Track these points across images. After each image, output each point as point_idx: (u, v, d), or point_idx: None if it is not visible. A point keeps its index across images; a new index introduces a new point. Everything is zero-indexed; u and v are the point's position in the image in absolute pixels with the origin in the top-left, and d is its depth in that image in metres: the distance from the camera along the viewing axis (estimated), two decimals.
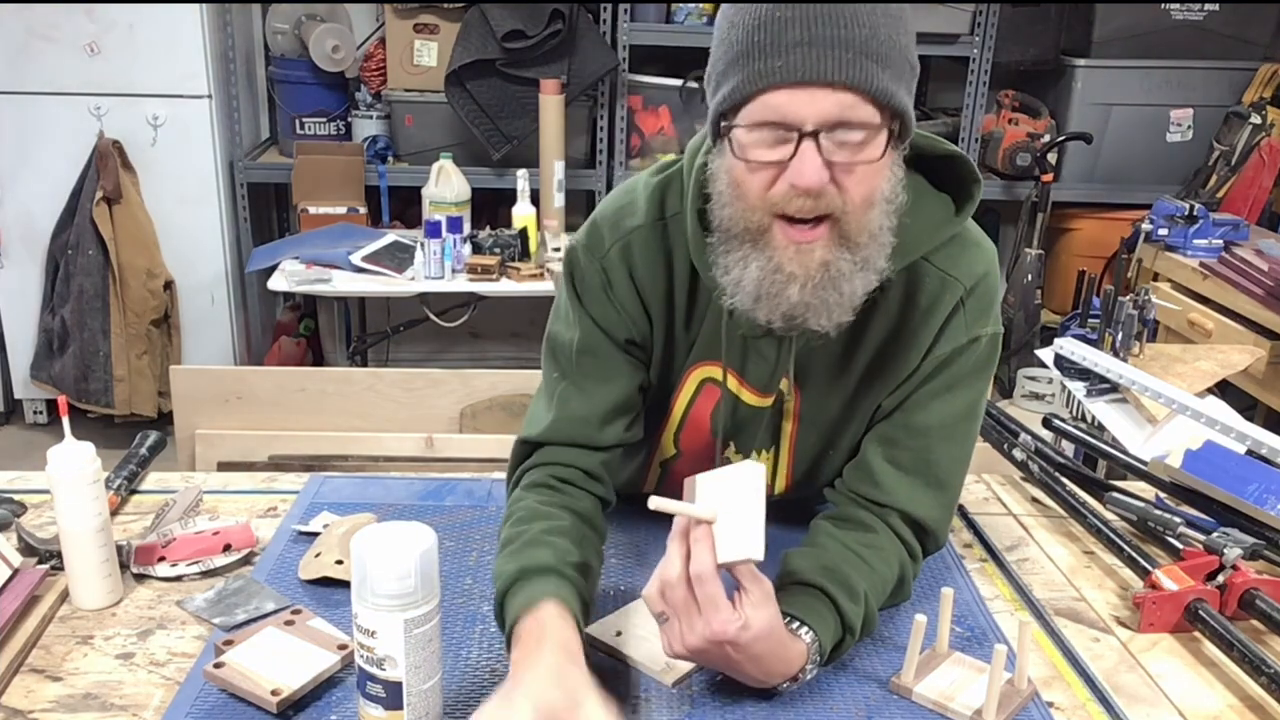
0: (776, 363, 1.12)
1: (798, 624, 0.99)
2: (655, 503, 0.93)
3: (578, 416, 1.13)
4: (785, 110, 0.93)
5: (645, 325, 1.14)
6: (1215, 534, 1.21)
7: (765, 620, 0.93)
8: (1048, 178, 3.61)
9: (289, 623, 1.05)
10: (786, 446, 1.20)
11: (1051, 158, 3.65)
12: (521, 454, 1.17)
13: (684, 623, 0.93)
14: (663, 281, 1.13)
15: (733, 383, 1.15)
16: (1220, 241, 3.06)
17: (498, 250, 3.11)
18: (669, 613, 0.94)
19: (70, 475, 1.06)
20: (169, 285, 3.44)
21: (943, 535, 1.16)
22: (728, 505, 0.91)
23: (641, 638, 1.06)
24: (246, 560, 1.21)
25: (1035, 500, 1.47)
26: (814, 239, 0.97)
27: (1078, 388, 2.20)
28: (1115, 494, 1.37)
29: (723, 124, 0.97)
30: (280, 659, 0.99)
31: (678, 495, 1.19)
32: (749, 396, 1.16)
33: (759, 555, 0.90)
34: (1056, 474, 1.44)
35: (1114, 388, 2.15)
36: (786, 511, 1.29)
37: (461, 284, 3.07)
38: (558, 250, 3.15)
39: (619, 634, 1.07)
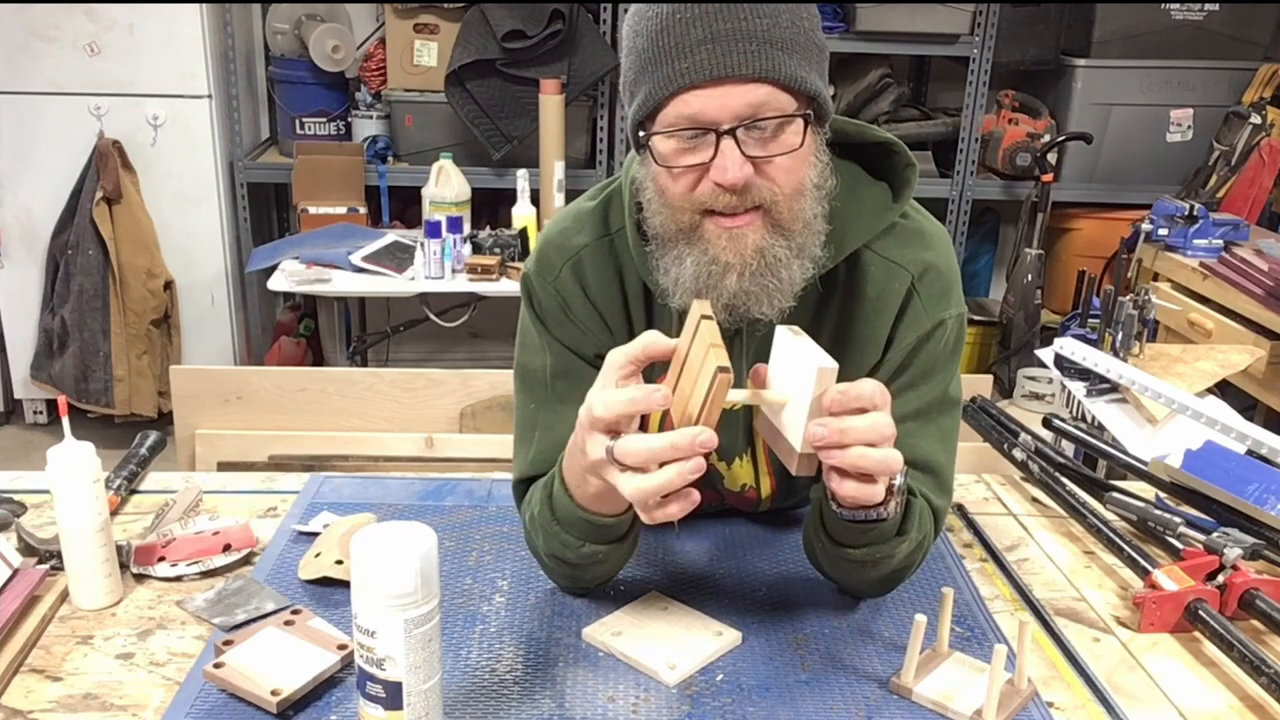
0: (737, 366, 1.12)
1: None
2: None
3: (564, 439, 1.06)
4: (699, 111, 0.94)
5: (608, 340, 1.14)
6: (1215, 534, 1.21)
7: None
8: (1048, 178, 3.61)
9: (289, 623, 1.05)
10: (762, 447, 1.19)
11: (1051, 158, 3.65)
12: (522, 493, 1.17)
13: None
14: (617, 296, 1.13)
15: None
16: (1220, 241, 3.05)
17: (498, 250, 3.12)
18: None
19: (70, 475, 1.06)
20: (169, 285, 3.44)
21: (941, 518, 1.16)
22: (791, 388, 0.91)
23: (641, 638, 1.06)
24: (246, 560, 1.21)
25: (1035, 500, 1.47)
26: (745, 224, 0.98)
27: (1078, 388, 2.20)
28: (1115, 494, 1.37)
29: (641, 133, 0.99)
30: (280, 659, 0.99)
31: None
32: None
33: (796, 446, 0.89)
34: (1056, 474, 1.44)
35: (1114, 388, 2.15)
36: (773, 520, 1.30)
37: (461, 284, 3.07)
38: None
39: (619, 634, 1.07)
